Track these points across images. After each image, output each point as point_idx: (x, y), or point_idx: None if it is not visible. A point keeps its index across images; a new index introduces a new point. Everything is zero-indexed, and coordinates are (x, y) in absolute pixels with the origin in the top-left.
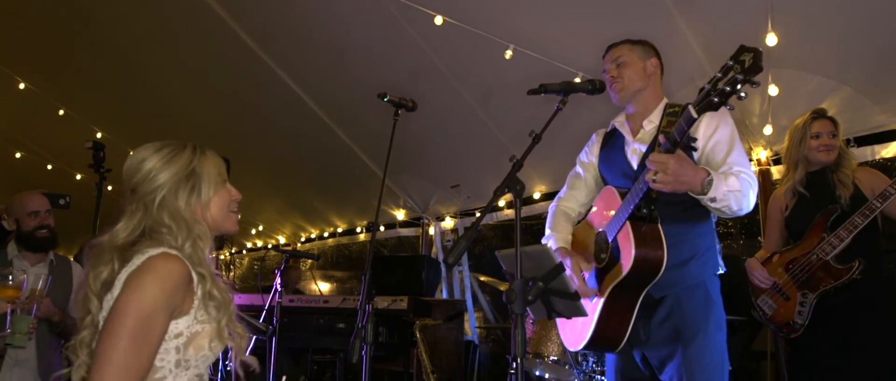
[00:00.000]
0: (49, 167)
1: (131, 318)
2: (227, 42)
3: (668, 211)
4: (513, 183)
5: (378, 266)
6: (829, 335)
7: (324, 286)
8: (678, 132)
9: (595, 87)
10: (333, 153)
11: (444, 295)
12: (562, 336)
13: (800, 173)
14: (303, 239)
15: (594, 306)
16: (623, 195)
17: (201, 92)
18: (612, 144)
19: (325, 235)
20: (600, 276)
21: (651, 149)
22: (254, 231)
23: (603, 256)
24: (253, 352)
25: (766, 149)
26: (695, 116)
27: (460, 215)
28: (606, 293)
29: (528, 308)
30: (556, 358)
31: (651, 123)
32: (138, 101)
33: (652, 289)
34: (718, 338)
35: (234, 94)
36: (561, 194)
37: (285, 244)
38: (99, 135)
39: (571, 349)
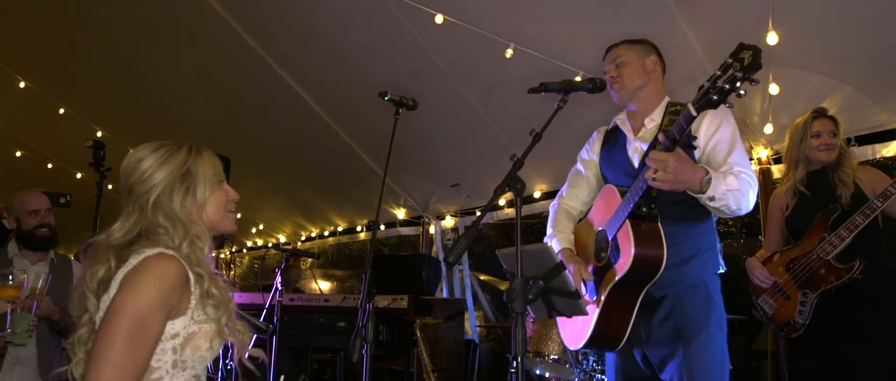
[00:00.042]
0: (49, 166)
1: (127, 318)
2: (228, 41)
3: (668, 210)
4: (513, 182)
5: (378, 265)
6: (830, 334)
7: (324, 285)
8: (677, 130)
9: (595, 85)
10: (334, 152)
11: (445, 294)
12: (562, 335)
13: (800, 173)
14: (303, 238)
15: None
16: (623, 194)
17: (201, 91)
18: (614, 142)
19: (326, 234)
20: (600, 274)
21: (652, 147)
22: (254, 230)
23: (603, 254)
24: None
25: (766, 148)
26: (694, 113)
27: (461, 213)
28: (606, 292)
29: (528, 307)
30: (556, 357)
31: (653, 122)
32: (138, 99)
33: (652, 288)
34: (719, 337)
35: (234, 93)
36: (562, 192)
37: (285, 243)
38: (99, 134)
39: (572, 348)
